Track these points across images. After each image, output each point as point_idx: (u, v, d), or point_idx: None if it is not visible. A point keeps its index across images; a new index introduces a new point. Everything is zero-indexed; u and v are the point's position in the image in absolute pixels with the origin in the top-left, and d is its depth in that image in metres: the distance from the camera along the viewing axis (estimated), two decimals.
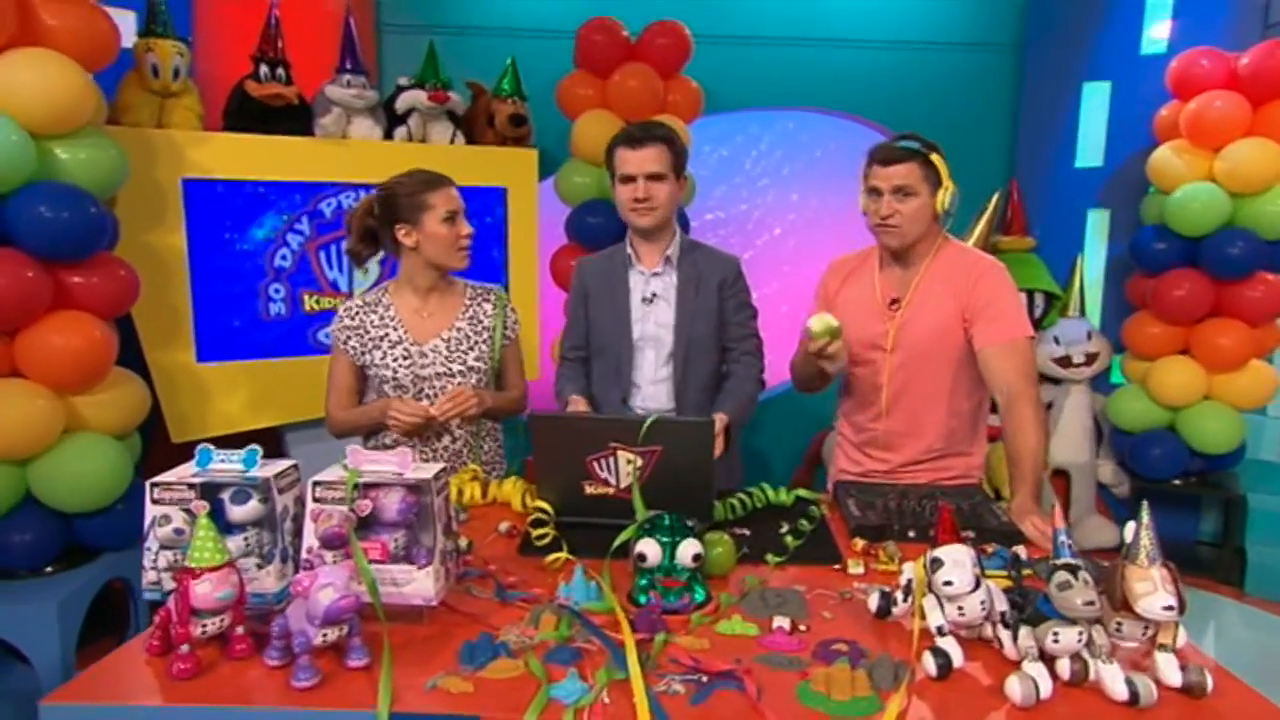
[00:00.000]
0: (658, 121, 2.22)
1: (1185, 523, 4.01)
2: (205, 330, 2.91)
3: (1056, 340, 3.87)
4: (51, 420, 2.35)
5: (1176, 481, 3.72)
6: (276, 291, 3.03)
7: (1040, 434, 1.84)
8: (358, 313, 2.12)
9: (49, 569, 2.48)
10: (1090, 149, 4.01)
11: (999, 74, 4.25)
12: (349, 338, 2.10)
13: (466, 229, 2.06)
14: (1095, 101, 3.98)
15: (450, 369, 2.10)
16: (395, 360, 2.08)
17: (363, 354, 2.10)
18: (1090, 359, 3.86)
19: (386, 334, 2.09)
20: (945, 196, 1.94)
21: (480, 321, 2.15)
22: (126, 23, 2.83)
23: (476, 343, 2.13)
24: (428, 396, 2.09)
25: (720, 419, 2.05)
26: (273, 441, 3.12)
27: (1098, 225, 4.03)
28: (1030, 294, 3.89)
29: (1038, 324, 3.92)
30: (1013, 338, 1.90)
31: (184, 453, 2.92)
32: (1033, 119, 4.20)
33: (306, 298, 3.10)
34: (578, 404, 2.16)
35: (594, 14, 3.47)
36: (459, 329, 2.13)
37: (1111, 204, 3.94)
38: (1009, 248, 3.98)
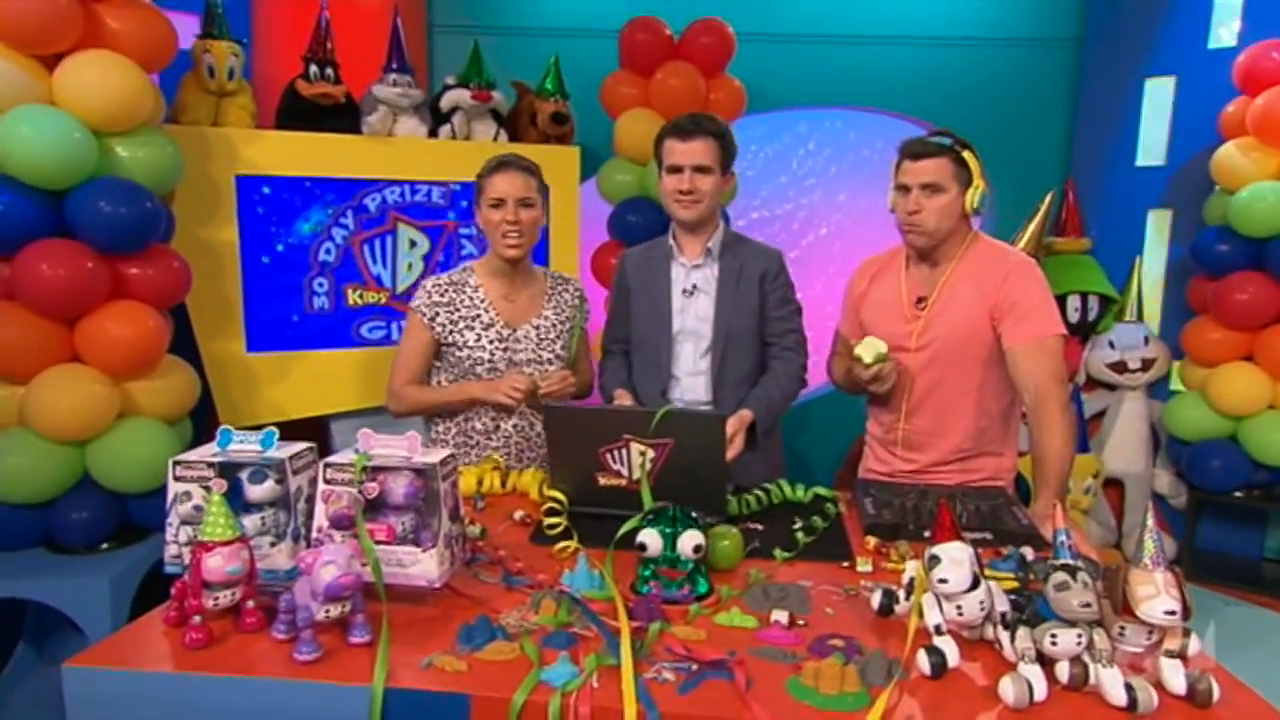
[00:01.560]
0: (709, 115, 2.19)
1: (1249, 538, 3.83)
2: (255, 321, 3.01)
3: (1112, 345, 3.75)
4: (108, 404, 2.46)
5: (1238, 494, 3.56)
6: (320, 285, 3.11)
7: (1067, 436, 1.79)
8: (446, 289, 2.13)
9: (104, 546, 2.60)
10: (1152, 147, 3.87)
11: (1057, 70, 4.12)
12: (437, 313, 2.10)
13: (510, 215, 2.04)
14: (1158, 98, 3.84)
15: (540, 356, 2.15)
16: (491, 342, 2.11)
17: (451, 332, 2.10)
18: (1147, 365, 3.74)
19: (479, 315, 2.11)
20: (975, 195, 1.91)
21: (563, 311, 2.22)
22: (188, 26, 2.95)
23: (561, 332, 2.20)
24: None
25: (742, 416, 2.03)
26: (320, 430, 3.22)
27: (1158, 226, 3.88)
28: (1084, 297, 3.78)
29: (1092, 328, 3.80)
30: (1041, 336, 1.86)
31: None
32: (1092, 116, 4.07)
33: (350, 292, 3.17)
34: (622, 398, 2.16)
35: (637, 13, 3.49)
36: (546, 317, 2.18)
37: (1174, 204, 3.80)
38: (1063, 249, 3.88)
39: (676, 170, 2.09)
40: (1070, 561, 1.09)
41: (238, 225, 2.95)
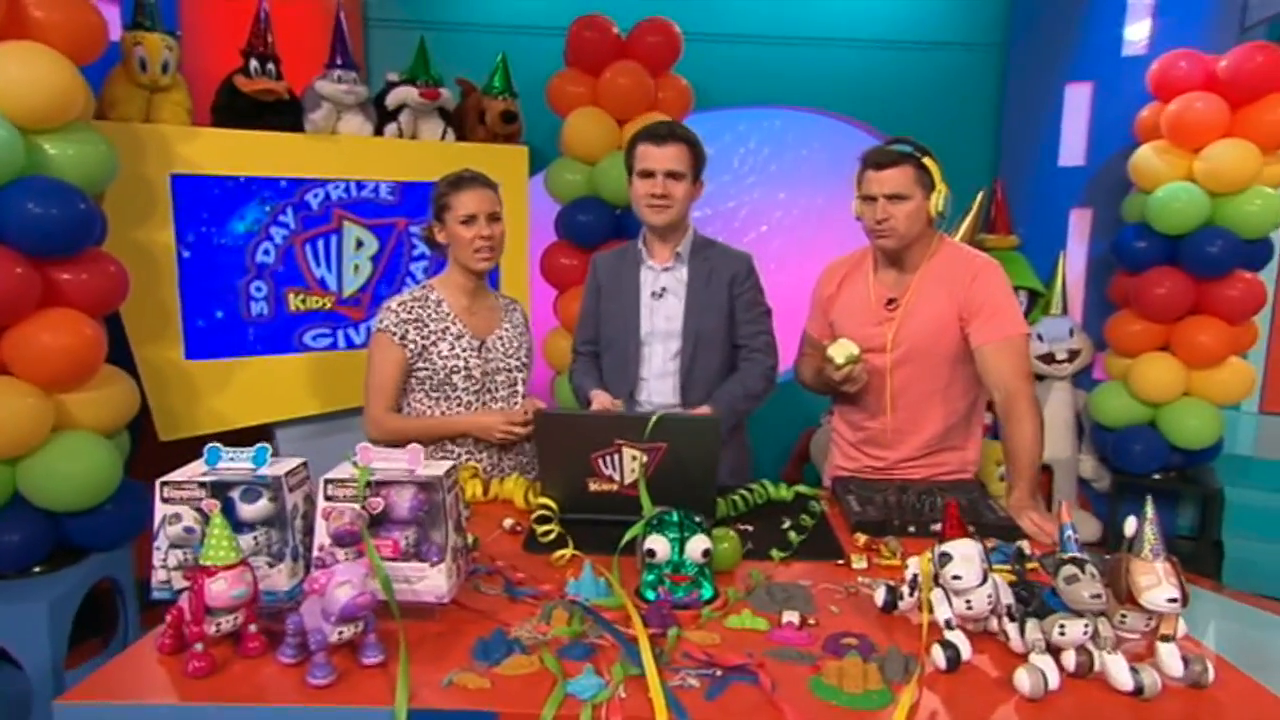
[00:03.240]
0: (680, 123, 2.23)
1: (1164, 516, 3.96)
2: (194, 327, 2.88)
3: (1040, 337, 3.92)
4: (40, 419, 2.31)
5: (1156, 476, 3.78)
6: (258, 290, 2.97)
7: (1037, 430, 1.87)
8: (412, 306, 2.09)
9: (37, 569, 2.44)
10: (1073, 148, 4.06)
11: (983, 73, 4.29)
12: (407, 331, 2.06)
13: (485, 231, 2.05)
14: (1077, 101, 4.03)
15: (509, 364, 2.16)
16: (465, 351, 2.09)
17: (425, 346, 2.07)
18: (1073, 356, 3.92)
19: (447, 327, 2.09)
20: (939, 199, 1.96)
21: (518, 326, 2.24)
22: (111, 16, 2.79)
23: (522, 344, 2.22)
24: (489, 390, 2.13)
25: (701, 410, 2.06)
26: (264, 440, 3.09)
27: (1080, 224, 4.08)
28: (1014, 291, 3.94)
29: None
30: (1009, 335, 1.94)
31: (171, 451, 2.88)
32: (1016, 118, 4.25)
33: (291, 296, 3.04)
34: (600, 398, 2.15)
35: (582, 11, 3.47)
36: (506, 329, 2.19)
37: (1094, 203, 4.00)
38: (994, 246, 4.03)
39: (649, 175, 2.10)
40: (1078, 554, 1.14)
41: (174, 227, 2.81)
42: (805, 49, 4.14)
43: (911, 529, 1.65)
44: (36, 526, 2.40)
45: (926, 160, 1.97)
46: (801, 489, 1.88)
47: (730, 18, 4.06)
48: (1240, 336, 3.58)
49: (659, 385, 2.22)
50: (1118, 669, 1.11)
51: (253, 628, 1.19)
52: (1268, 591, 3.56)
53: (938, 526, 1.58)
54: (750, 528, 1.68)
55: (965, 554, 1.19)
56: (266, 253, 3.00)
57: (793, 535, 1.61)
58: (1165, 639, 1.16)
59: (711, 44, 3.95)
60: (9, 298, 2.22)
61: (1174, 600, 1.09)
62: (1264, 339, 4.26)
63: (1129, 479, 3.82)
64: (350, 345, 3.17)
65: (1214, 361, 3.57)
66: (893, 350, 2.04)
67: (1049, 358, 3.91)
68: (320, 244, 3.10)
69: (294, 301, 3.07)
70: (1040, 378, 3.99)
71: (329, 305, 3.12)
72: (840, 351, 1.96)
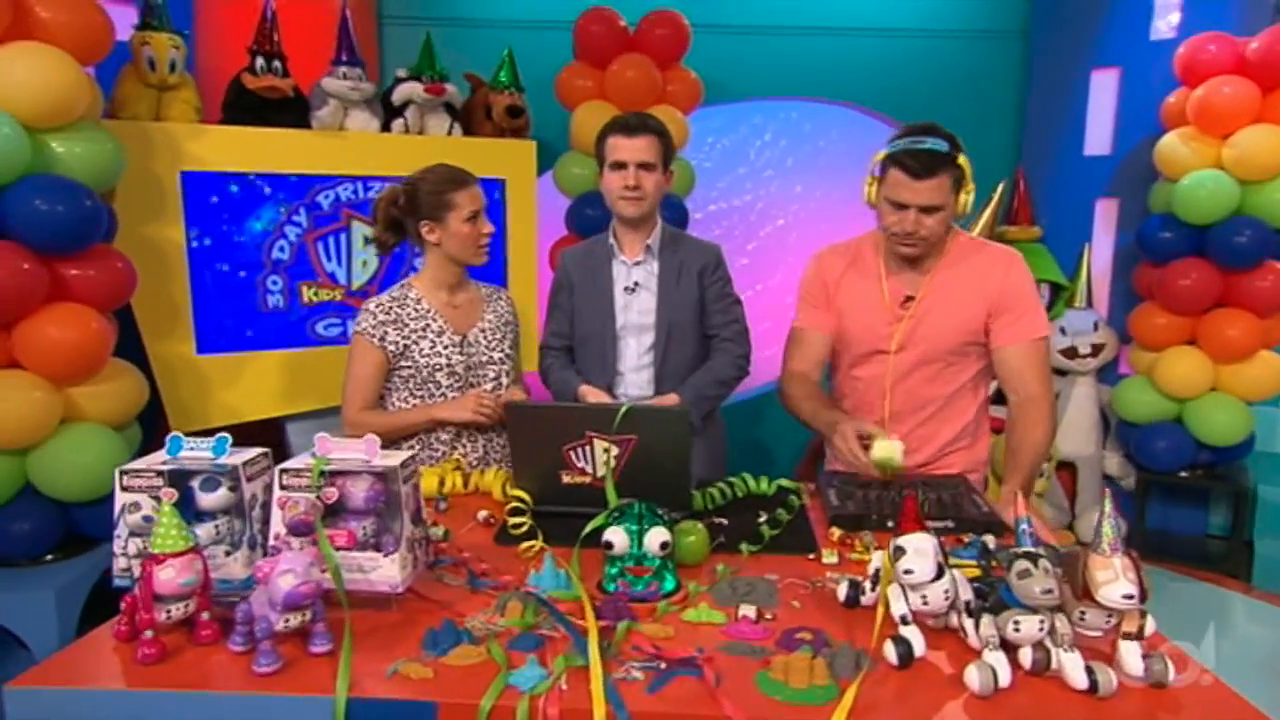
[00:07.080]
0: (650, 114, 2.24)
1: (1193, 516, 3.95)
2: (204, 322, 2.93)
3: (1063, 331, 3.83)
4: (49, 411, 2.37)
5: (1184, 474, 3.67)
6: (274, 283, 3.05)
7: (1049, 433, 1.83)
8: (390, 307, 2.10)
9: (48, 558, 2.52)
10: (1098, 137, 3.95)
11: (1005, 62, 4.19)
12: (386, 332, 2.06)
13: (487, 227, 2.08)
14: (1103, 89, 3.92)
15: (493, 357, 2.16)
16: (447, 348, 2.09)
17: (405, 345, 2.07)
18: (1097, 350, 3.82)
19: (428, 325, 2.10)
20: (968, 199, 1.84)
21: (502, 316, 2.23)
22: (127, 17, 2.85)
23: (506, 334, 2.21)
24: (471, 385, 2.13)
25: (668, 398, 2.08)
26: (276, 433, 3.15)
27: (1106, 214, 3.97)
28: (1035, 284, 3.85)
29: None
30: (1034, 338, 1.87)
31: None
32: (1040, 107, 4.15)
33: (305, 289, 3.11)
34: (594, 394, 2.15)
35: (590, 5, 3.46)
36: (489, 321, 2.18)
37: (1120, 193, 3.89)
38: (1015, 238, 3.94)
39: (621, 166, 2.11)
40: (1032, 549, 1.10)
41: (184, 223, 2.86)
42: (819, 39, 4.09)
43: (890, 524, 1.61)
44: (47, 516, 2.48)
45: (961, 159, 1.80)
46: (783, 482, 1.85)
47: (740, 8, 4.02)
48: (1271, 330, 3.45)
49: (634, 378, 2.24)
50: (1073, 666, 1.07)
51: (206, 615, 1.20)
52: None
53: None
54: (725, 521, 1.66)
55: (919, 548, 1.15)
56: (282, 249, 3.07)
57: (765, 529, 1.59)
58: (1128, 636, 1.11)
59: (722, 35, 3.91)
60: (16, 293, 2.28)
61: (1130, 596, 1.05)
62: None
63: (1155, 476, 3.72)
64: None
65: (1242, 355, 3.45)
66: (902, 350, 1.94)
67: (1072, 352, 3.81)
68: (330, 240, 3.15)
69: (307, 294, 3.14)
70: (1063, 373, 3.89)
71: (339, 297, 3.18)
72: (884, 451, 1.72)
